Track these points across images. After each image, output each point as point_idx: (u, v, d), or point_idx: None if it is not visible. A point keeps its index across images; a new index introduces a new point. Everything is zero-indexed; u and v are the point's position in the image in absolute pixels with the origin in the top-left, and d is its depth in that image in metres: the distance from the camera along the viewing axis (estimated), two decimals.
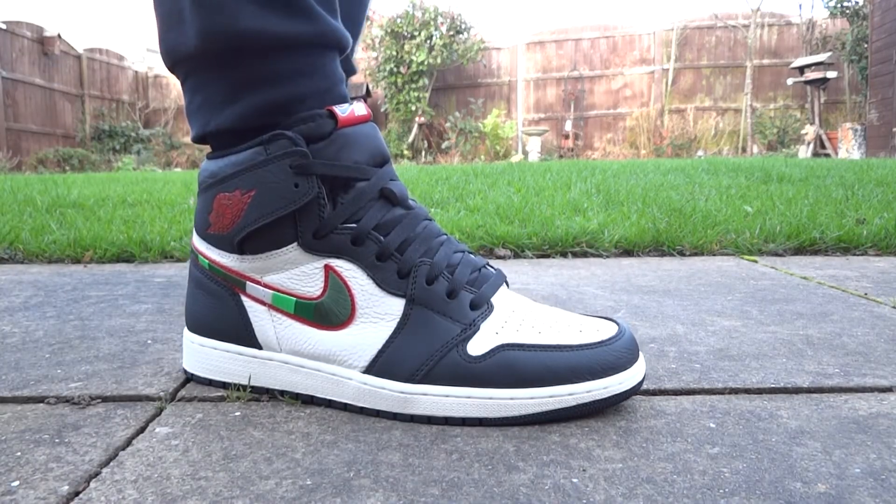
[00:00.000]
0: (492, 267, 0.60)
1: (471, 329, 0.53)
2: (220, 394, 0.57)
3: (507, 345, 0.52)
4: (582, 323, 0.55)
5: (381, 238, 0.54)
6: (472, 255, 0.59)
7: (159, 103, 10.81)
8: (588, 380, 0.50)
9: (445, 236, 0.58)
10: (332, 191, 0.55)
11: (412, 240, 0.55)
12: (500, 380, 0.50)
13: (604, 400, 0.51)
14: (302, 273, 0.55)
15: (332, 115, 0.55)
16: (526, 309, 0.56)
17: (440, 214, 1.77)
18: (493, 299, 0.56)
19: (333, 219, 0.54)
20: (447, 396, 0.51)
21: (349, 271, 0.54)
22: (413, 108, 9.22)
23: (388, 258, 0.54)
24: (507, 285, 0.60)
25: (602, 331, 0.54)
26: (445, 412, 0.51)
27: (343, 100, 0.58)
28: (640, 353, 0.54)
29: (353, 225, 0.54)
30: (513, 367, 0.51)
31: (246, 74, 0.55)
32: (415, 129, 9.34)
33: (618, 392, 0.51)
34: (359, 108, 0.57)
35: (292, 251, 0.55)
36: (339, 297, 0.54)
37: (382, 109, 9.67)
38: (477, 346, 0.52)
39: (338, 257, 0.54)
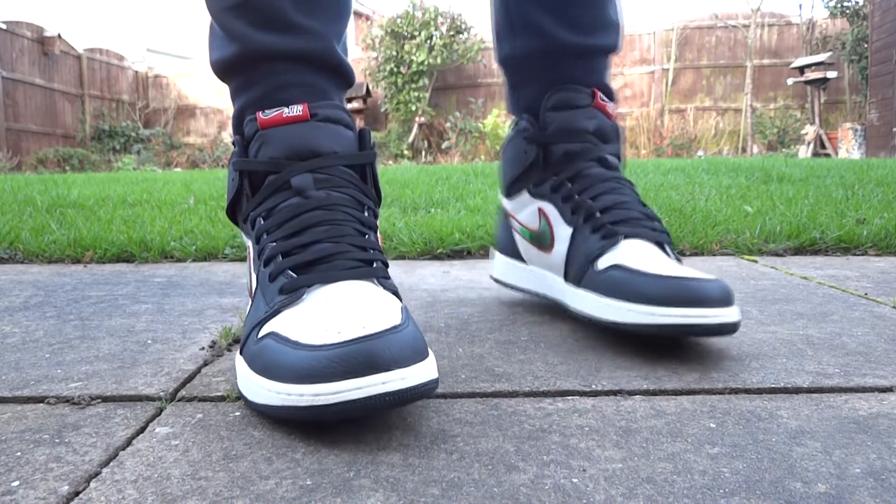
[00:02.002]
0: (374, 262, 0.59)
1: (271, 313, 0.55)
2: (219, 394, 0.57)
3: (272, 333, 0.53)
4: (369, 321, 0.49)
5: (262, 223, 0.62)
6: (351, 245, 0.59)
7: (159, 103, 10.81)
8: (292, 382, 0.48)
9: (327, 226, 0.59)
10: (253, 183, 0.65)
11: (275, 226, 0.61)
12: (254, 366, 0.52)
13: (305, 408, 0.47)
14: None
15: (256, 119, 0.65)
16: (339, 302, 0.53)
17: (440, 214, 1.77)
18: (317, 289, 0.55)
19: (247, 208, 0.64)
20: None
21: (249, 250, 0.66)
22: (413, 108, 9.21)
23: (259, 241, 0.62)
24: (380, 279, 0.58)
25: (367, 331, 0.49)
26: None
27: (283, 103, 0.65)
28: (381, 372, 0.46)
29: (253, 211, 0.64)
30: (261, 356, 0.52)
31: (232, 89, 0.71)
32: (415, 129, 9.33)
33: (313, 404, 0.46)
34: (292, 111, 0.65)
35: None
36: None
37: (382, 109, 9.66)
38: (262, 331, 0.54)
39: (247, 237, 0.66)
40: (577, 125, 0.77)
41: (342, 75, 0.71)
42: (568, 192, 0.76)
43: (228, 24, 0.68)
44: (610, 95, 0.83)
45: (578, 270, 0.73)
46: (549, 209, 0.79)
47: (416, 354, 0.48)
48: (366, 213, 0.65)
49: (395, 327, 0.49)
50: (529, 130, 0.80)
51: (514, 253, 0.86)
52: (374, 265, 0.59)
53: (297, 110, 0.64)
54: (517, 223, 0.85)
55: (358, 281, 0.56)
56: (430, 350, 0.51)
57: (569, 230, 0.76)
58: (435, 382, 0.49)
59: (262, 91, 0.68)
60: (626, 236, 0.71)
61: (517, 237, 0.85)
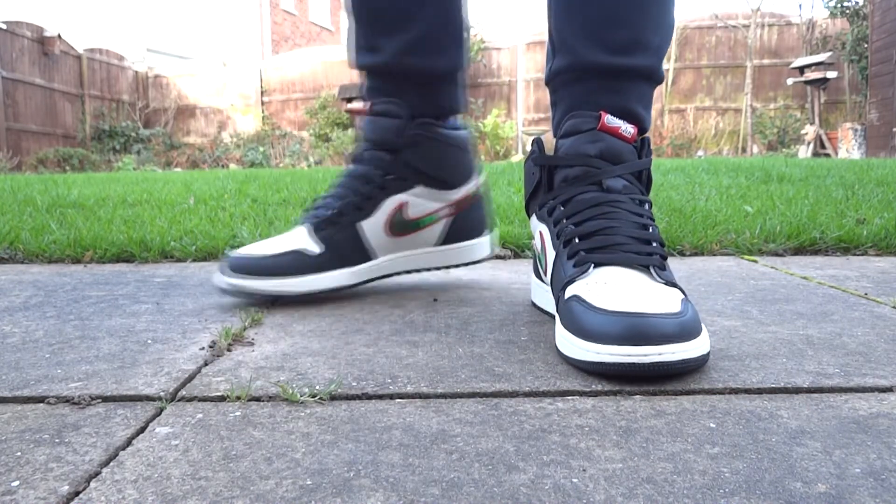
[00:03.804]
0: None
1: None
2: (219, 394, 0.57)
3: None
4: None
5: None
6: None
7: (159, 103, 10.81)
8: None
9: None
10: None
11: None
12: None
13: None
14: None
15: None
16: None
17: None
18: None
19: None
20: None
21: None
22: None
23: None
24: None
25: None
26: None
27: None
28: None
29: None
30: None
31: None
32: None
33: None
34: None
35: None
36: None
37: None
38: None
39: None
40: (578, 150, 0.76)
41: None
42: (558, 216, 0.76)
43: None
44: (632, 117, 0.77)
45: (555, 297, 0.72)
46: (545, 232, 0.79)
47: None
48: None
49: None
50: (536, 153, 0.81)
51: (538, 275, 0.87)
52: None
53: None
54: (533, 244, 0.87)
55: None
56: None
57: (554, 255, 0.75)
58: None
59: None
60: (598, 264, 0.68)
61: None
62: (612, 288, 0.64)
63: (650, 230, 0.72)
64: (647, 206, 0.75)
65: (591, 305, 0.62)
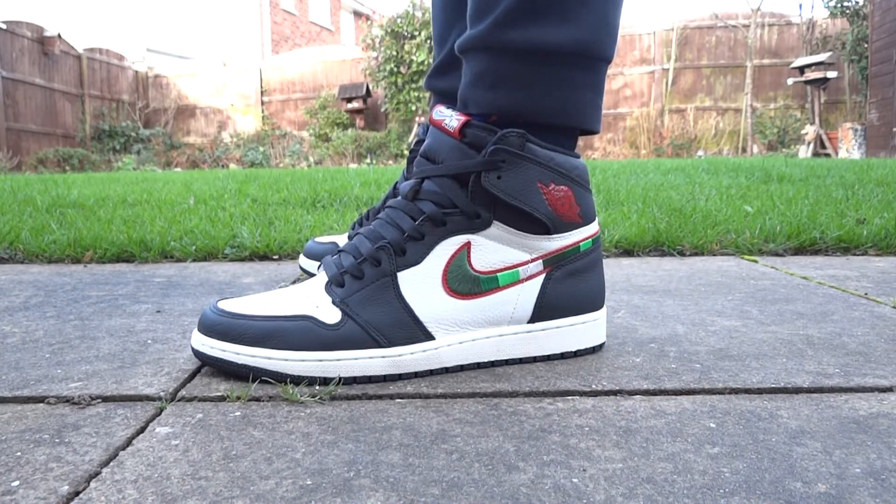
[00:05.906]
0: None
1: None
2: (219, 394, 0.57)
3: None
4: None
5: None
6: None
7: (159, 103, 10.81)
8: None
9: None
10: None
11: None
12: None
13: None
14: None
15: None
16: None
17: None
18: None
19: None
20: None
21: None
22: (413, 108, 9.22)
23: None
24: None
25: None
26: None
27: None
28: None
29: None
30: None
31: None
32: (415, 129, 9.33)
33: None
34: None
35: None
36: None
37: (382, 109, 9.66)
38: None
39: None
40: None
41: None
42: None
43: None
44: (466, 103, 0.66)
45: None
46: None
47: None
48: None
49: None
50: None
51: None
52: None
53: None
54: None
55: None
56: None
57: None
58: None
59: None
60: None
61: None
62: (285, 294, 0.65)
63: (380, 239, 0.64)
64: (414, 219, 0.63)
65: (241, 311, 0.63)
